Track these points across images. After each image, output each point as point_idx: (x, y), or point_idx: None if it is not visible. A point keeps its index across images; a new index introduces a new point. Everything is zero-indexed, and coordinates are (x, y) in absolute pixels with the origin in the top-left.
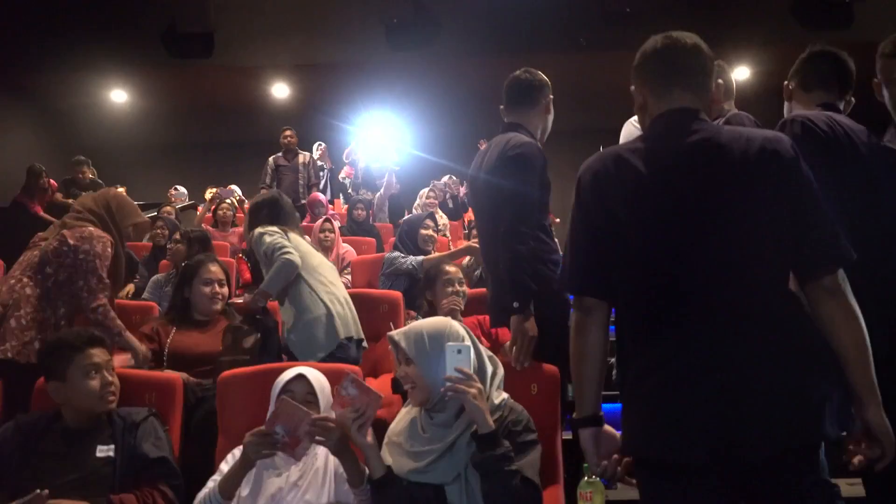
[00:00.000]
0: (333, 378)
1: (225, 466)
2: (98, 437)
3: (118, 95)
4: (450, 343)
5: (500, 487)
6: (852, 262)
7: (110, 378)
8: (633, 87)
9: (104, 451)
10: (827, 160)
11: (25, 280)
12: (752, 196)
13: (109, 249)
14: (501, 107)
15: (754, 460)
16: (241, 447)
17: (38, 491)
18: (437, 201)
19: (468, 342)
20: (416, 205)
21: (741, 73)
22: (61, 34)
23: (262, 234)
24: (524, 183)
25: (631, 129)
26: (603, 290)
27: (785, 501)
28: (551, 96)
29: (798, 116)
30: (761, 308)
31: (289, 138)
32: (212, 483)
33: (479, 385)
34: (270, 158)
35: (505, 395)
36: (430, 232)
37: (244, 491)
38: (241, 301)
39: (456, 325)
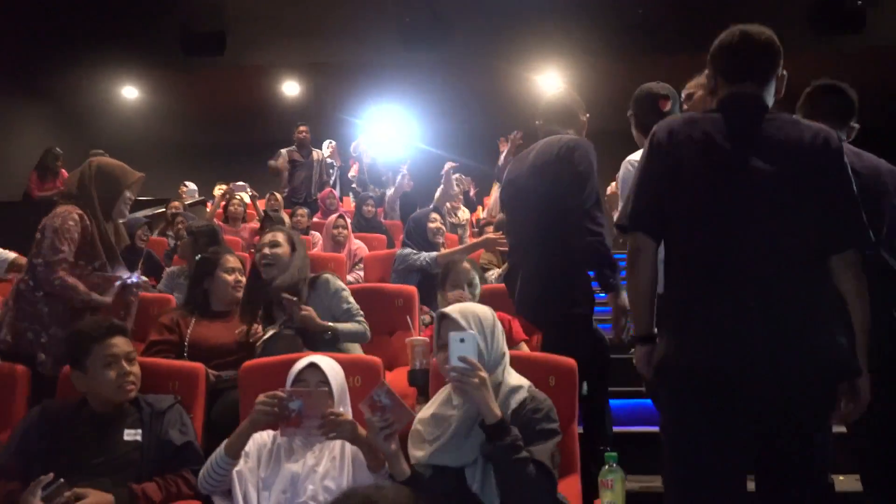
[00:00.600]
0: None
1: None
2: (125, 421)
3: (130, 92)
4: (452, 332)
5: (512, 475)
6: (871, 245)
7: (129, 368)
8: (706, 72)
9: (132, 434)
10: None
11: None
12: (802, 175)
13: (70, 222)
14: (538, 122)
15: (780, 383)
16: (256, 438)
17: (61, 480)
18: (461, 196)
19: (473, 331)
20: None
21: None
22: (75, 34)
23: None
24: (591, 170)
25: (628, 168)
26: (655, 230)
27: (791, 448)
28: (587, 116)
29: None
30: (800, 267)
31: (303, 133)
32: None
33: (484, 374)
34: (284, 151)
35: (526, 382)
36: (438, 224)
37: (263, 475)
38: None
39: (492, 315)
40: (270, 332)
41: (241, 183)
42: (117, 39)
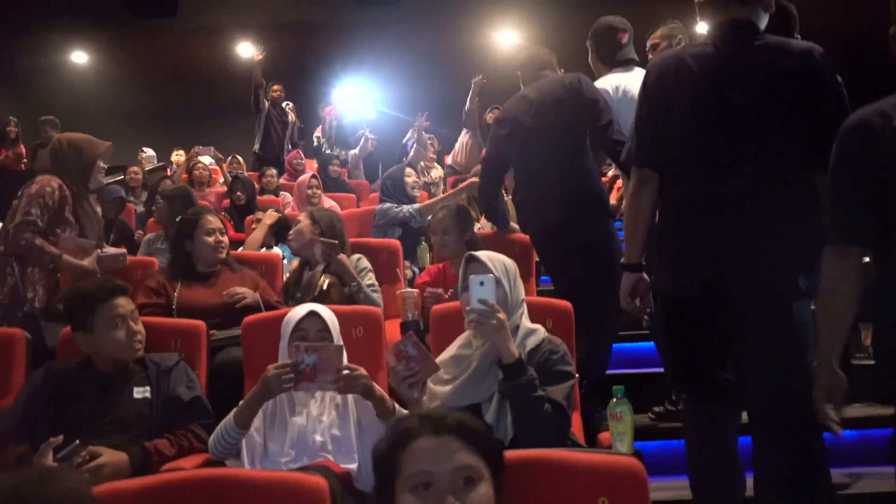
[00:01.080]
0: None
1: None
2: (133, 379)
3: (79, 57)
4: (473, 275)
5: (528, 413)
6: None
7: (135, 327)
8: (669, 24)
9: (141, 392)
10: None
11: None
12: (790, 98)
13: (48, 188)
14: (520, 71)
15: (736, 302)
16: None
17: (76, 441)
18: (434, 155)
19: (491, 274)
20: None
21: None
22: None
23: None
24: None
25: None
26: (659, 164)
27: (773, 325)
28: None
29: None
30: (780, 194)
31: (277, 92)
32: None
33: (502, 316)
34: (266, 103)
35: (541, 327)
36: (414, 178)
37: (269, 431)
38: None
39: (514, 263)
40: (324, 282)
41: (205, 147)
42: (63, 2)
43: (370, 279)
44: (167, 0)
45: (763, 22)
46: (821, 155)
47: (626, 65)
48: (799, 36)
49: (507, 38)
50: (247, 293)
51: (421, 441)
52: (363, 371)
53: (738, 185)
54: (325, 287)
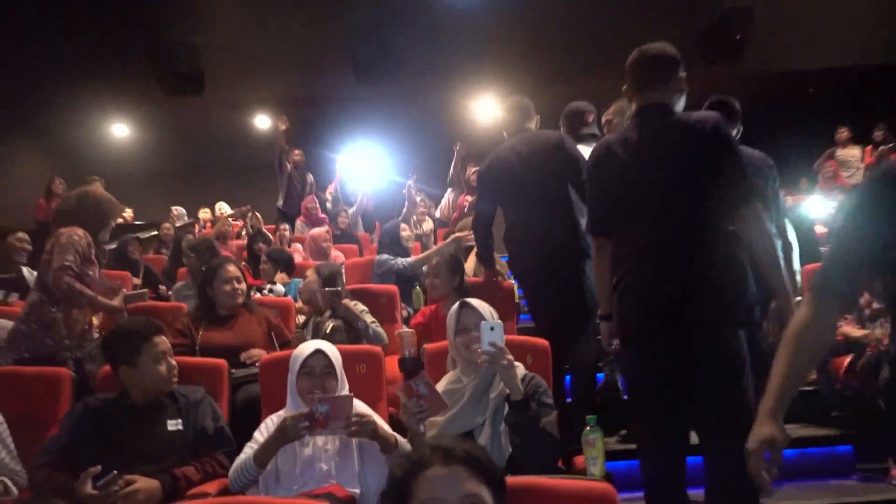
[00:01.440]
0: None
1: (258, 434)
2: (166, 412)
3: (120, 129)
4: (484, 321)
5: (531, 442)
6: (758, 195)
7: (174, 363)
8: (618, 102)
9: (174, 424)
10: None
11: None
12: (700, 159)
13: (75, 237)
14: (505, 126)
15: (691, 334)
16: (271, 419)
17: (114, 472)
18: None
19: (500, 321)
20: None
21: None
22: (69, 77)
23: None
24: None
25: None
26: (609, 231)
27: (711, 355)
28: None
29: None
30: (708, 239)
31: (298, 156)
32: (248, 450)
33: (511, 357)
34: (289, 166)
35: (519, 364)
36: (408, 232)
37: (281, 461)
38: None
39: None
40: (330, 325)
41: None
42: (106, 81)
43: (370, 318)
44: (195, 79)
45: (677, 101)
46: (728, 201)
47: (590, 139)
48: (741, 127)
49: (486, 107)
50: (260, 354)
51: (433, 470)
52: (370, 418)
53: (665, 237)
54: (328, 331)
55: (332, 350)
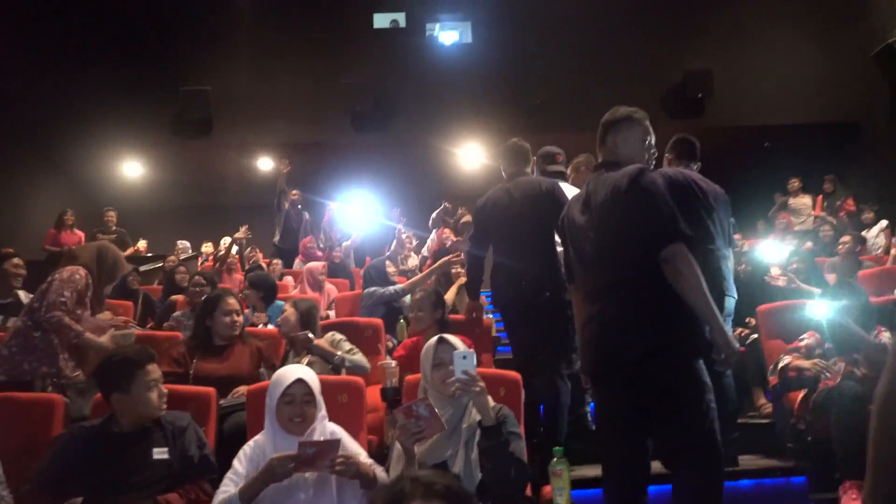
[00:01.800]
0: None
1: (237, 462)
2: (152, 440)
3: (132, 167)
4: (457, 350)
5: (501, 466)
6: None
7: (164, 390)
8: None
9: (160, 453)
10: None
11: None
12: (621, 209)
13: (77, 276)
14: (505, 170)
15: (621, 367)
16: (248, 446)
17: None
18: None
19: (473, 350)
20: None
21: None
22: (88, 119)
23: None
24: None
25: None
26: (572, 279)
27: (653, 386)
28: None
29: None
30: (631, 282)
31: (295, 196)
32: (232, 487)
33: (483, 384)
34: (287, 205)
35: (491, 399)
36: (394, 269)
37: None
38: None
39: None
40: (306, 360)
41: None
42: (124, 121)
43: (348, 345)
44: (204, 124)
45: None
46: (649, 241)
47: (558, 176)
48: (700, 163)
49: (470, 153)
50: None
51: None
52: (355, 459)
53: (602, 281)
54: (308, 362)
55: (312, 378)
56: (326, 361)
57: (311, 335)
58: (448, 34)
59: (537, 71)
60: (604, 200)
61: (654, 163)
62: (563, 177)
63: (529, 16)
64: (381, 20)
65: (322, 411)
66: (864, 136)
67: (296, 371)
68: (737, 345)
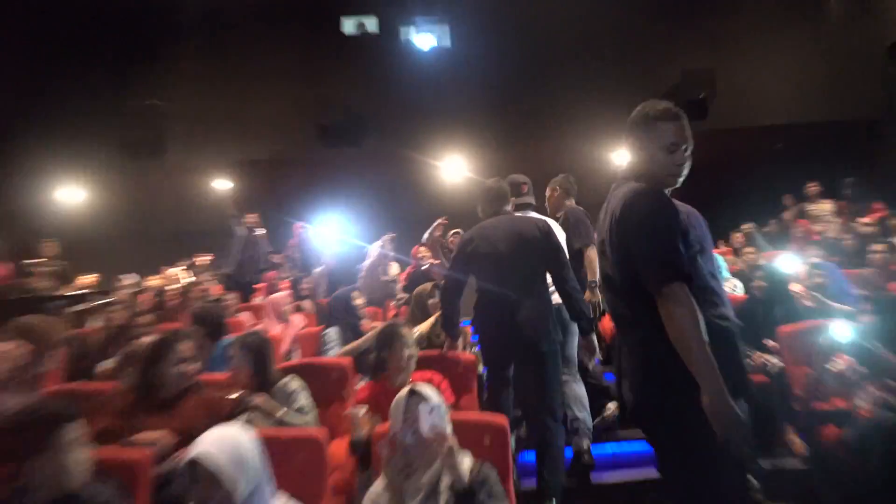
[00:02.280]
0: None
1: None
2: None
3: (76, 194)
4: (422, 403)
5: None
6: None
7: (89, 455)
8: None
9: None
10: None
11: None
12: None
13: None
14: (485, 205)
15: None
16: None
17: None
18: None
19: (440, 401)
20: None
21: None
22: (16, 139)
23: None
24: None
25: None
26: None
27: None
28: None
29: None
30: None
31: (252, 220)
32: None
33: (452, 444)
34: (242, 230)
35: (467, 452)
36: (360, 300)
37: None
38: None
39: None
40: (245, 417)
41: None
42: (67, 148)
43: (301, 400)
44: (157, 144)
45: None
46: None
47: (527, 208)
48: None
49: (453, 165)
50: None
51: None
52: None
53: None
54: (246, 420)
55: (221, 450)
56: (270, 415)
57: (243, 395)
58: (424, 38)
59: (524, 75)
60: (609, 226)
61: (684, 172)
62: (531, 208)
63: (513, 15)
64: (350, 25)
65: (253, 486)
66: (885, 132)
67: (196, 446)
68: (741, 415)
